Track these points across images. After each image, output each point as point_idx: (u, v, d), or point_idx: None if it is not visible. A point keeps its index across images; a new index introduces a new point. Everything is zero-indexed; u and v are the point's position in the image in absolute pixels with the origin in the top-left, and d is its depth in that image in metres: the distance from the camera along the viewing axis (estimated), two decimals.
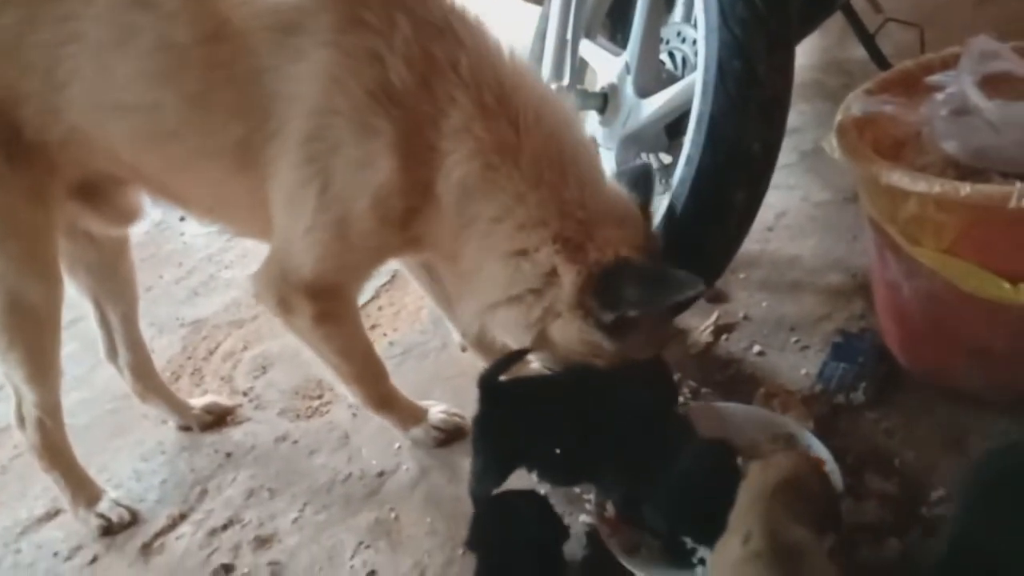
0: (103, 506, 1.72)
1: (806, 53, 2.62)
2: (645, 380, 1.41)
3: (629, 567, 1.28)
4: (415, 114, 1.29)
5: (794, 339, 1.75)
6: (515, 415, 1.40)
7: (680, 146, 1.58)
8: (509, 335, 1.45)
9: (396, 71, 1.27)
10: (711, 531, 1.10)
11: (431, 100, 1.29)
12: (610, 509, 1.37)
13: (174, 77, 1.36)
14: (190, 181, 1.52)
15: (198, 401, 1.99)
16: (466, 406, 1.74)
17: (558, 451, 1.35)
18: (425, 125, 1.30)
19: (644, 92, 1.76)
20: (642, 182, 1.46)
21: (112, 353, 1.89)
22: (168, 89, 1.37)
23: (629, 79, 1.77)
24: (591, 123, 1.91)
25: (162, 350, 2.30)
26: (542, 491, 1.43)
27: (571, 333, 1.35)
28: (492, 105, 1.29)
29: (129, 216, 1.68)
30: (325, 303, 1.48)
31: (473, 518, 1.37)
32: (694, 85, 1.51)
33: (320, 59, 1.29)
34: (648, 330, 1.38)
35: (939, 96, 1.41)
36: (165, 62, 1.36)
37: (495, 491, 1.38)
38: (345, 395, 1.70)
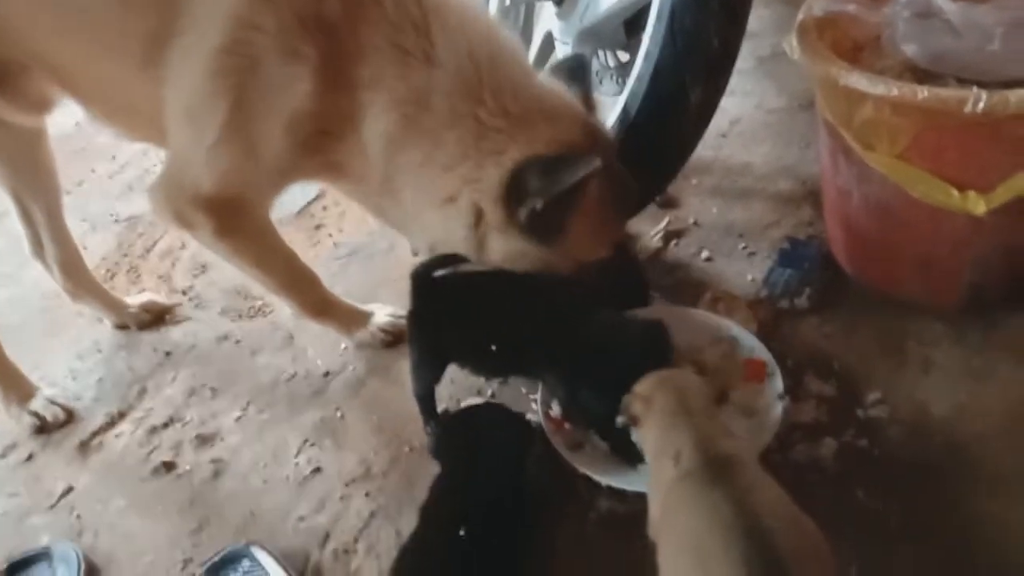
0: (36, 404, 1.68)
1: None
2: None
3: (572, 463, 1.30)
4: (340, 47, 1.25)
5: (742, 245, 1.76)
6: (448, 310, 1.39)
7: (638, 44, 1.53)
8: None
9: (329, 3, 1.23)
10: None
11: (354, 39, 1.26)
12: (555, 408, 1.38)
13: None
14: (97, 77, 1.43)
15: (135, 299, 1.93)
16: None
17: (493, 347, 1.34)
18: (348, 62, 1.26)
19: None
20: (579, 73, 1.42)
21: (38, 249, 1.80)
22: None
23: None
24: (547, 16, 1.83)
25: (96, 247, 2.22)
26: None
27: (506, 249, 1.34)
28: (410, 44, 1.26)
29: (42, 105, 1.56)
30: (226, 218, 1.42)
31: (442, 428, 1.37)
32: None
33: None
34: (585, 227, 1.34)
35: None
36: None
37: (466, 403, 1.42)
38: (281, 306, 1.66)
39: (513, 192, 1.28)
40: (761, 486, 0.96)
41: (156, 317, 1.91)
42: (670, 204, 1.89)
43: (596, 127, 1.39)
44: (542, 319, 1.33)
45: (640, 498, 1.19)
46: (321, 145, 1.34)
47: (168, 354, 1.81)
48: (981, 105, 1.17)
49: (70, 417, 1.69)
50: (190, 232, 1.46)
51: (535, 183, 1.26)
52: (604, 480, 1.27)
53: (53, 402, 1.69)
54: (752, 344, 1.43)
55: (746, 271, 1.68)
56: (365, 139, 1.31)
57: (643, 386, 1.10)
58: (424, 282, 1.39)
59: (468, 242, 1.36)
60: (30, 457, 1.63)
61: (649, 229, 1.82)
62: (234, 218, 1.44)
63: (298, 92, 1.26)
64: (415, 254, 1.85)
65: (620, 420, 1.11)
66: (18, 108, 1.55)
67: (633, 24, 1.74)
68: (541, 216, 1.28)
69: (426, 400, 1.43)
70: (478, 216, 1.33)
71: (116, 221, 2.33)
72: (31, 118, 1.60)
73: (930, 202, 1.30)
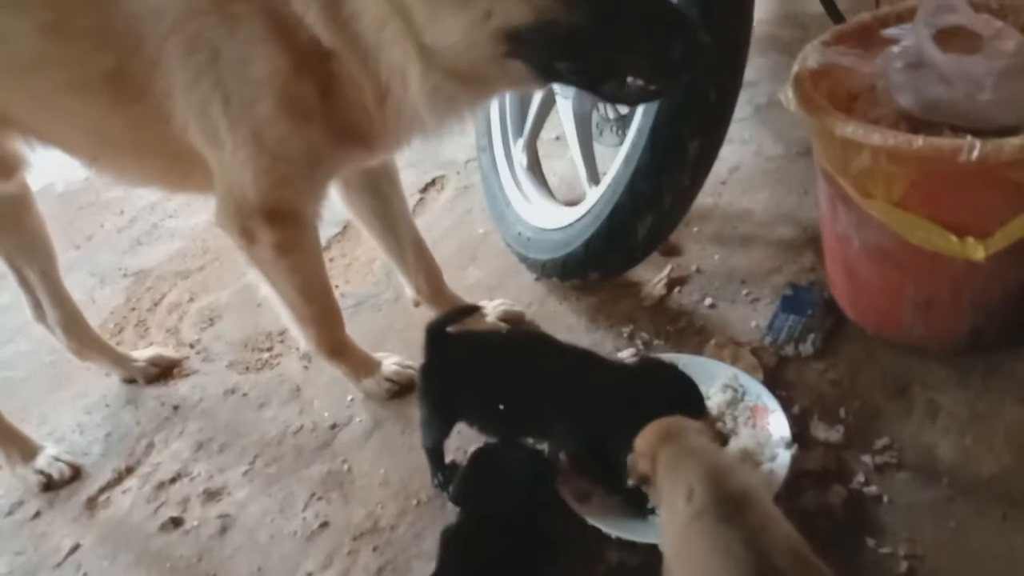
0: (41, 462, 1.68)
1: (762, 6, 2.59)
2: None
3: (582, 515, 1.29)
4: None
5: (745, 291, 1.77)
6: (460, 366, 1.40)
7: None
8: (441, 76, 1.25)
9: None
10: None
11: None
12: (562, 459, 1.38)
13: (24, 4, 1.29)
14: (64, 120, 1.45)
15: (142, 353, 1.94)
16: (419, 358, 1.73)
17: (502, 407, 1.35)
18: (276, 3, 1.23)
19: None
20: None
21: (39, 313, 1.82)
22: (20, 18, 1.30)
23: None
24: None
25: (104, 301, 2.24)
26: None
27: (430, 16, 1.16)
28: None
29: (10, 167, 1.56)
30: (285, 231, 1.45)
31: (460, 473, 1.35)
32: None
33: None
34: None
35: (894, 49, 1.42)
36: None
37: (485, 444, 1.39)
38: (298, 340, 1.67)
39: None
40: (773, 524, 0.96)
41: (164, 371, 1.92)
42: (672, 252, 1.90)
43: None
44: (560, 375, 1.33)
45: (650, 550, 1.19)
46: (326, 108, 1.30)
47: (176, 408, 1.82)
48: (975, 154, 1.19)
49: (76, 473, 1.69)
50: (252, 249, 1.46)
51: None
52: (614, 532, 1.27)
53: (59, 459, 1.69)
54: (758, 391, 1.43)
55: (750, 317, 1.69)
56: (337, 55, 1.23)
57: (643, 443, 1.10)
58: (438, 337, 1.40)
59: (416, 37, 1.19)
60: (37, 514, 1.63)
61: (652, 277, 1.84)
62: (292, 230, 1.46)
63: (263, 57, 1.25)
64: (416, 304, 1.88)
65: (631, 482, 1.11)
66: None
67: None
68: None
69: (434, 453, 1.43)
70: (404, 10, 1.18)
71: (124, 275, 2.35)
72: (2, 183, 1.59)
73: (930, 248, 1.32)
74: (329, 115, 1.31)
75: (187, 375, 1.91)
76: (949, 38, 1.39)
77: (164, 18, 1.26)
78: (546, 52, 1.16)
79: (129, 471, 1.68)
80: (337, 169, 1.48)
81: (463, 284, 1.94)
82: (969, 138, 1.21)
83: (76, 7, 1.29)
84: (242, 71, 1.26)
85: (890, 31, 1.47)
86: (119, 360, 1.91)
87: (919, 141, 1.23)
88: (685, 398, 1.27)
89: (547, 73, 1.21)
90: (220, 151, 1.35)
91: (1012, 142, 1.19)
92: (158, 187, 1.63)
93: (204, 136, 1.35)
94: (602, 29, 1.12)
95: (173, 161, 1.44)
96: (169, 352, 1.97)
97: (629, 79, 1.19)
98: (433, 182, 2.46)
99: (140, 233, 2.56)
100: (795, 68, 1.46)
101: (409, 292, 1.87)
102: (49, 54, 1.32)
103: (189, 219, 2.55)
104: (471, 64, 1.20)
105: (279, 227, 1.44)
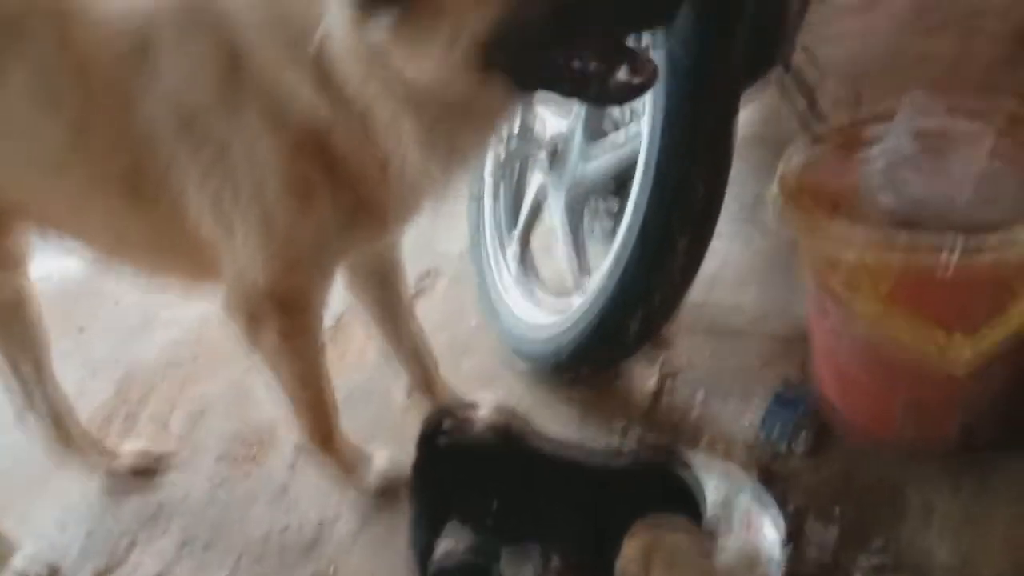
0: (18, 563, 1.64)
1: (746, 107, 2.69)
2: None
3: None
4: (264, 82, 1.25)
5: (737, 386, 1.76)
6: (452, 466, 1.38)
7: (628, 193, 1.60)
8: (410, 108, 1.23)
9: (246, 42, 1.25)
10: None
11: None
12: (556, 561, 1.34)
13: (54, 106, 1.34)
14: (84, 217, 1.48)
15: (128, 448, 1.91)
16: (411, 453, 1.71)
17: (495, 505, 1.33)
18: (271, 86, 1.25)
19: (594, 138, 1.78)
20: None
21: (29, 404, 1.80)
22: (53, 115, 1.35)
23: (579, 126, 1.79)
24: (541, 168, 1.92)
25: (94, 393, 2.21)
26: None
27: (389, 59, 1.15)
28: None
29: (12, 260, 1.59)
30: (292, 317, 1.45)
31: None
32: (641, 132, 1.54)
33: (174, 66, 1.28)
34: None
35: (875, 150, 1.46)
36: (44, 91, 1.35)
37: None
38: (291, 429, 1.64)
39: None
40: None
41: (149, 466, 1.88)
42: (663, 345, 1.90)
43: None
44: (555, 471, 1.33)
45: None
46: (334, 187, 1.31)
47: (161, 505, 1.78)
48: (957, 252, 1.21)
49: (55, 575, 1.64)
50: (258, 336, 1.46)
51: None
52: None
53: (35, 559, 1.65)
54: (752, 488, 1.41)
55: (742, 413, 1.68)
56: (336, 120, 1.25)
57: (634, 550, 1.08)
58: (432, 434, 1.38)
59: (400, 83, 1.18)
60: None
61: (644, 370, 1.83)
62: (299, 316, 1.46)
63: (264, 139, 1.26)
64: (409, 395, 1.86)
65: None
66: None
67: (622, 175, 1.82)
68: None
69: (422, 555, 1.40)
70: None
71: (116, 367, 2.33)
72: (5, 274, 1.61)
73: (916, 353, 1.32)
74: (336, 193, 1.33)
75: (173, 470, 1.88)
76: (928, 139, 1.43)
77: (175, 118, 1.30)
78: (522, 57, 1.14)
79: (108, 572, 1.63)
80: (347, 251, 1.49)
81: (456, 376, 1.93)
82: (951, 236, 1.23)
83: (99, 108, 1.33)
84: (248, 158, 1.29)
85: (871, 131, 1.52)
86: (105, 454, 1.88)
87: (902, 240, 1.26)
88: (685, 495, 1.26)
89: (527, 81, 1.20)
90: (231, 241, 1.37)
91: (993, 240, 1.22)
92: (177, 282, 1.64)
93: (218, 228, 1.37)
94: (563, 18, 1.10)
95: (190, 258, 1.46)
96: (155, 447, 1.93)
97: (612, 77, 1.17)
98: (427, 273, 2.48)
99: (134, 324, 2.55)
100: (780, 168, 1.50)
101: (403, 381, 1.86)
102: (74, 152, 1.36)
103: (184, 310, 2.56)
104: (458, 93, 1.19)
105: (287, 313, 1.44)
